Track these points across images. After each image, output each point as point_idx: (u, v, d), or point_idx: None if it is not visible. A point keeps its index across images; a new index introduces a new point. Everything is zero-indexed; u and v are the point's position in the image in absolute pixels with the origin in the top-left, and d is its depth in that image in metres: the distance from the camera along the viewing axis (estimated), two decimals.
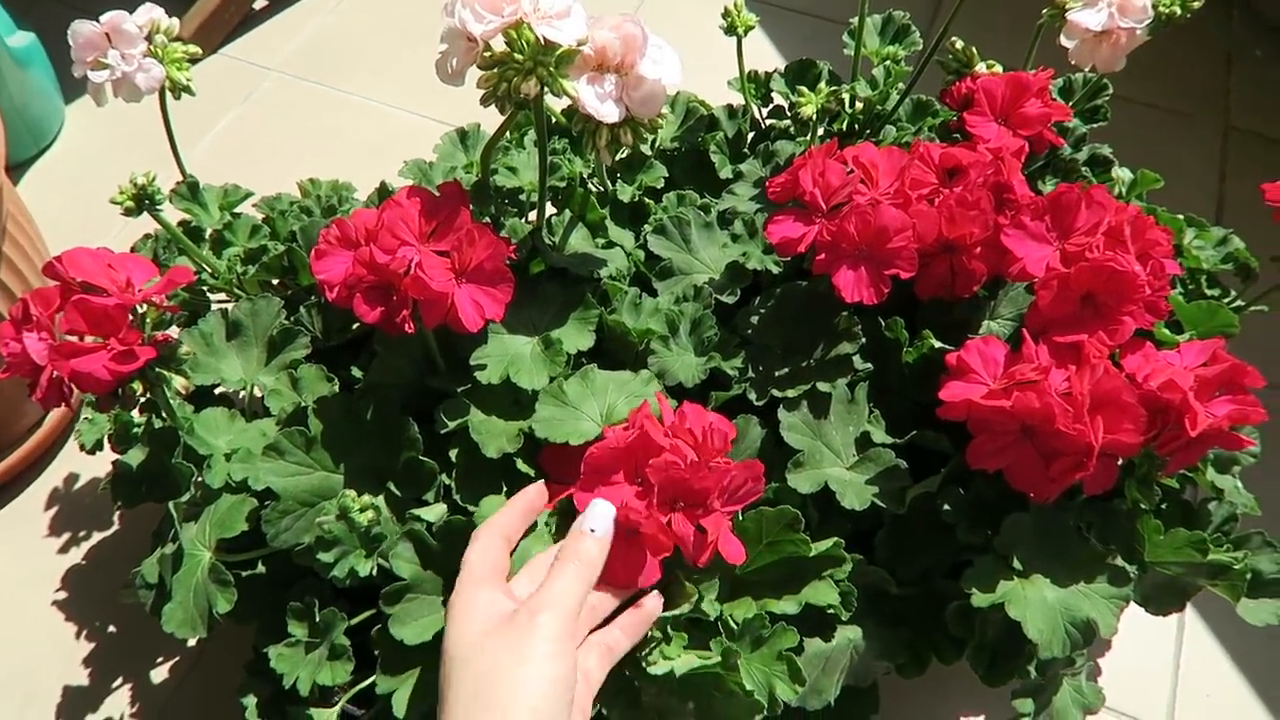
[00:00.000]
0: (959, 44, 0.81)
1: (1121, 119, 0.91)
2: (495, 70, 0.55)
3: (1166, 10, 0.71)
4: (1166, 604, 0.69)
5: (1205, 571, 0.65)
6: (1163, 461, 0.60)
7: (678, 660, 0.57)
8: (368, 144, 1.36)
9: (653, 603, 0.56)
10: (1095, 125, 0.86)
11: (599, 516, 0.53)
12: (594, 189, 0.83)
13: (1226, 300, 0.77)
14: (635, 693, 0.58)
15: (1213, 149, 1.32)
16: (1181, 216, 0.79)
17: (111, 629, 0.97)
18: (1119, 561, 0.63)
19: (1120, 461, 0.59)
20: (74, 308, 0.54)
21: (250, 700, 0.69)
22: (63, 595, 0.99)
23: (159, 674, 0.94)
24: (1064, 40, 0.74)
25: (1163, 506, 0.68)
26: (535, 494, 0.59)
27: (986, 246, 0.64)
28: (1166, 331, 0.69)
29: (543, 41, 0.54)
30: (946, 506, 0.64)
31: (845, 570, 0.62)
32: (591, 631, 0.53)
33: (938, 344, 0.66)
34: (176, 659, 0.94)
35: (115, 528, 1.03)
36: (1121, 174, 0.84)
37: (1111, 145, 0.85)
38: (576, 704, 0.49)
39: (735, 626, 0.59)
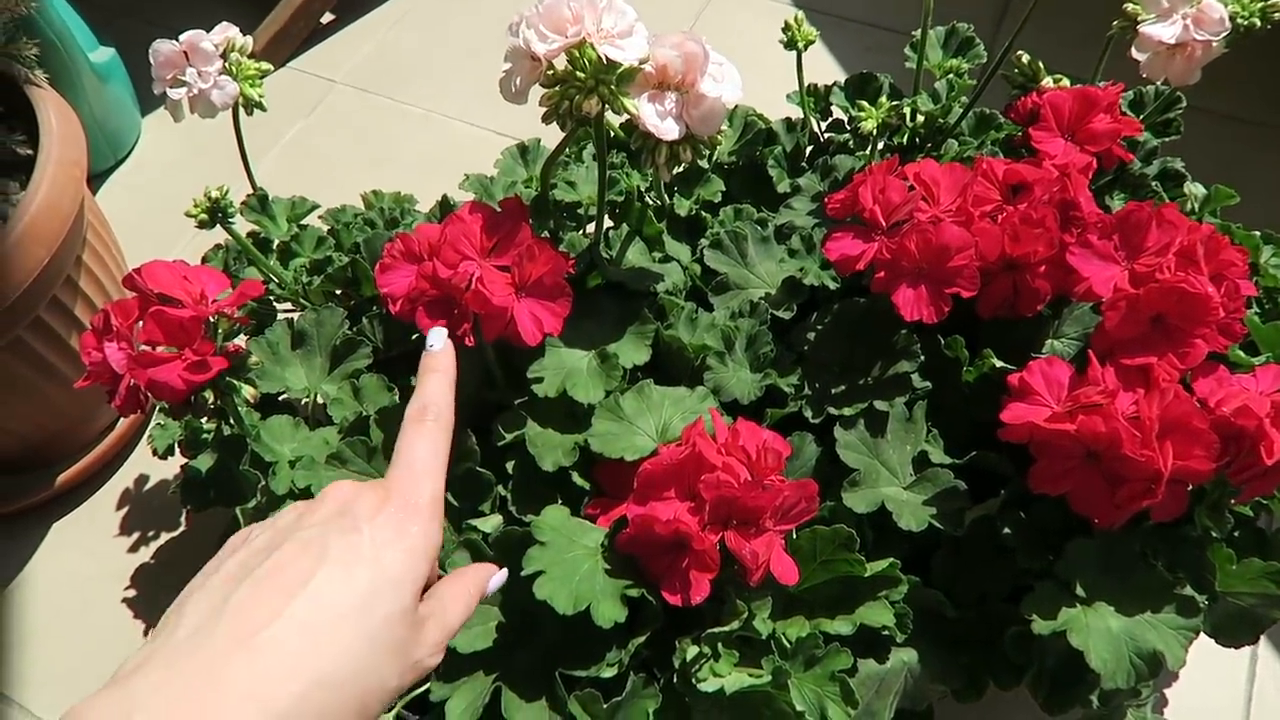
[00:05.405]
0: (1025, 57, 0.79)
1: (1195, 131, 0.89)
2: (558, 89, 0.56)
3: (1245, 21, 0.69)
4: (1238, 635, 0.67)
5: None
6: (1235, 489, 0.58)
7: (728, 678, 0.57)
8: (428, 155, 1.39)
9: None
10: (1167, 139, 0.84)
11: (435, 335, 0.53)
12: (651, 203, 0.83)
13: None
14: (685, 709, 0.58)
15: None
16: (1258, 233, 0.77)
17: None
18: (1188, 590, 0.61)
19: (1190, 487, 0.58)
20: (152, 319, 0.56)
21: None
22: (132, 593, 1.02)
23: None
24: (1135, 53, 0.72)
25: (1235, 534, 0.66)
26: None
27: (1051, 265, 0.63)
28: (1241, 354, 0.67)
29: (605, 60, 0.54)
30: (1006, 530, 0.63)
31: (901, 591, 0.61)
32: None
33: (999, 363, 0.65)
34: None
35: (183, 528, 1.06)
36: (1194, 189, 0.82)
37: (1184, 159, 0.82)
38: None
39: (788, 645, 0.59)
